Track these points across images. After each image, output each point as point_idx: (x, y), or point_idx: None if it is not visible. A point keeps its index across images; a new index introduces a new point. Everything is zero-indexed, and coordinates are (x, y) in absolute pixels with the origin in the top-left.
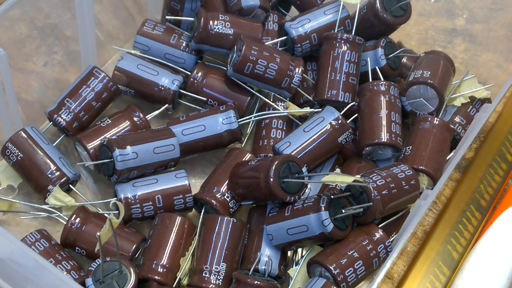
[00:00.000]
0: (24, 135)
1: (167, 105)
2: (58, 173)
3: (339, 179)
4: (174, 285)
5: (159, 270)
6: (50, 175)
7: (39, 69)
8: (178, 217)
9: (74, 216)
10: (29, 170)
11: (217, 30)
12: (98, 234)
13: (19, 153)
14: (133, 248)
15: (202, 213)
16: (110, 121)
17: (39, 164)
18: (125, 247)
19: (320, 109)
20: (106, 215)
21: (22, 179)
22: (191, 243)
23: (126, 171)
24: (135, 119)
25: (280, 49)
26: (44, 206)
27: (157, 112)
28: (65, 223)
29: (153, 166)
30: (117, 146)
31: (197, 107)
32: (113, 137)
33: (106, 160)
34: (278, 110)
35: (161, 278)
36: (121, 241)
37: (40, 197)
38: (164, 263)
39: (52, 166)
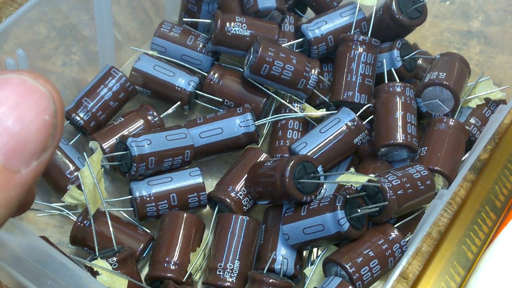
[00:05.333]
0: None
1: (179, 102)
2: (77, 173)
3: (353, 179)
4: (184, 280)
5: (171, 267)
6: (69, 175)
7: (58, 69)
8: (184, 213)
9: (83, 214)
10: (48, 170)
11: (234, 32)
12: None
13: None
14: (141, 247)
15: (215, 211)
16: (124, 120)
17: (58, 164)
18: (132, 246)
19: (336, 111)
20: (122, 212)
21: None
22: (201, 238)
23: (144, 158)
24: (149, 117)
25: (296, 50)
26: (53, 205)
27: (170, 110)
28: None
29: (169, 153)
30: (130, 136)
31: (213, 107)
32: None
33: (121, 153)
34: (295, 112)
35: (174, 275)
36: (129, 240)
37: (57, 195)
38: (176, 260)
39: (71, 166)
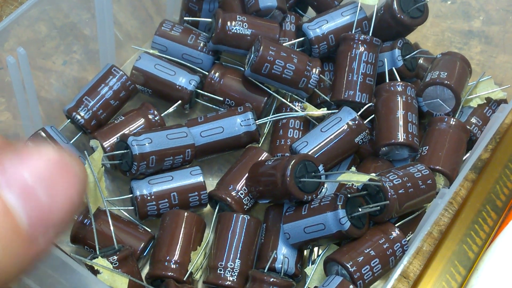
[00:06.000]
0: (43, 134)
1: (179, 101)
2: None
3: (354, 178)
4: (185, 279)
5: (172, 266)
6: None
7: (58, 68)
8: (184, 212)
9: (84, 213)
10: None
11: (235, 31)
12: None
13: None
14: (141, 246)
15: (216, 210)
16: (125, 119)
17: None
18: (133, 245)
19: (337, 110)
20: (122, 211)
21: None
22: (202, 237)
23: (144, 157)
24: (150, 116)
25: (297, 50)
26: None
27: (171, 109)
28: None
29: (170, 152)
30: (131, 135)
31: (214, 106)
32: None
33: (122, 151)
34: (296, 111)
35: (175, 274)
36: (130, 239)
37: None
38: (176, 259)
39: None
